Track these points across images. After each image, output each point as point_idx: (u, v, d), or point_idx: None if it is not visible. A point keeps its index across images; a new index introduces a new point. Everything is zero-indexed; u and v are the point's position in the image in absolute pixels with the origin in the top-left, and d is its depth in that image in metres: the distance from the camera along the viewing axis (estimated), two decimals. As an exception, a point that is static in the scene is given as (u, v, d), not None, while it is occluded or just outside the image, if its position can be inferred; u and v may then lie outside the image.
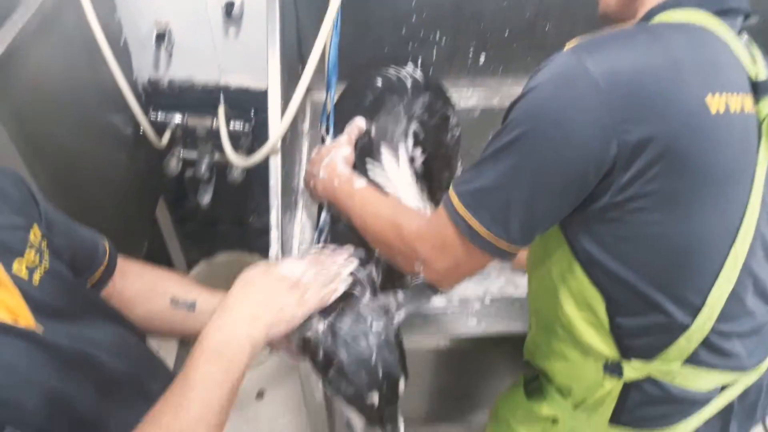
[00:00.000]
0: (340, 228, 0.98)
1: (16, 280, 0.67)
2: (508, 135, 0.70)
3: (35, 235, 0.72)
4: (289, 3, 1.30)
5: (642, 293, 0.75)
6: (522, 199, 0.71)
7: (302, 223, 1.24)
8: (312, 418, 1.36)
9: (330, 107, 1.12)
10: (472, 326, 1.10)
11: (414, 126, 1.14)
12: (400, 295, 0.84)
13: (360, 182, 0.95)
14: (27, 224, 0.72)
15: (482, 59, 1.46)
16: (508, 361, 1.09)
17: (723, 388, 0.84)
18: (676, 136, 0.67)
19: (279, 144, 1.08)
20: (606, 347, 0.82)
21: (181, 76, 1.52)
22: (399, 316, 0.83)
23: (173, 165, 1.56)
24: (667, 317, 0.76)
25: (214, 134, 1.51)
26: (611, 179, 0.69)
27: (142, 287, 0.89)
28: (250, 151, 1.62)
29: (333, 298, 0.80)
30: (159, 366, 0.91)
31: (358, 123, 1.05)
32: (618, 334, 0.80)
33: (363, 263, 0.89)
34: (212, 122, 1.49)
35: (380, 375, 0.77)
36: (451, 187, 0.76)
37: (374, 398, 0.78)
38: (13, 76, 1.00)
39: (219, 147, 1.58)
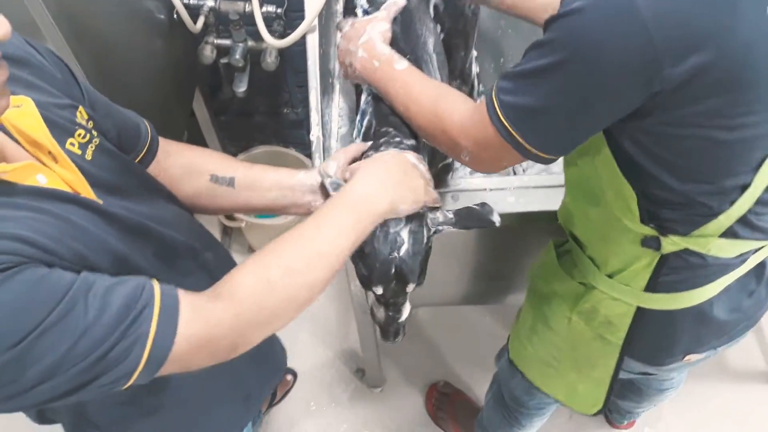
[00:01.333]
0: (383, 109, 0.94)
1: (72, 156, 0.68)
2: (550, 56, 0.69)
3: (81, 115, 0.73)
4: None
5: (681, 191, 0.77)
6: (565, 122, 0.73)
7: (340, 107, 1.23)
8: (357, 309, 1.41)
9: None
10: (510, 203, 1.12)
11: None
12: (451, 214, 0.85)
13: (401, 63, 0.91)
14: (73, 104, 0.73)
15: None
16: (545, 241, 1.10)
17: (756, 250, 0.87)
18: (735, 61, 0.65)
19: (316, 21, 1.06)
20: (643, 228, 0.84)
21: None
22: (438, 230, 0.85)
23: (207, 53, 1.54)
24: (706, 207, 0.78)
25: (247, 19, 1.48)
26: (658, 101, 0.68)
27: (184, 165, 0.90)
28: (283, 35, 1.59)
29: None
30: (211, 238, 0.95)
31: (391, 1, 1.00)
32: (651, 220, 0.83)
33: (414, 149, 0.90)
34: (244, 6, 1.46)
35: (391, 273, 0.80)
36: (494, 92, 0.76)
37: (379, 290, 0.82)
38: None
39: (252, 33, 1.55)
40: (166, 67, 1.50)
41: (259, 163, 0.93)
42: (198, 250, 0.87)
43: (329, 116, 1.18)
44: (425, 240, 0.82)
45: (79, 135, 0.71)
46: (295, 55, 1.69)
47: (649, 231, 0.84)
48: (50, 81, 0.71)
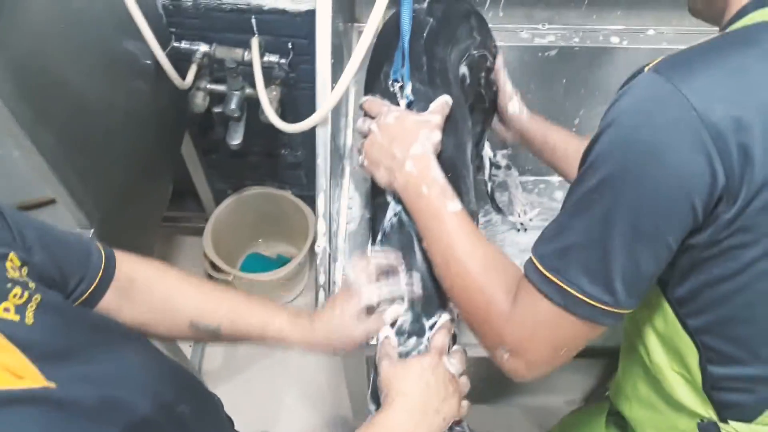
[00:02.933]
0: (405, 230, 0.80)
1: (7, 328, 0.54)
2: (591, 179, 0.58)
3: (13, 264, 0.58)
4: None
5: (740, 339, 0.64)
6: (621, 251, 0.57)
7: (350, 196, 1.06)
8: (349, 370, 1.26)
9: (405, 46, 0.86)
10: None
11: (463, 68, 0.95)
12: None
13: (455, 204, 0.74)
14: (4, 251, 0.58)
15: (565, -11, 1.21)
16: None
17: None
18: None
19: (329, 114, 0.88)
20: (699, 406, 0.70)
21: (208, -6, 1.30)
22: None
23: (199, 101, 1.37)
24: None
25: (246, 66, 1.30)
26: (717, 212, 0.55)
27: (156, 306, 0.76)
28: (286, 85, 1.42)
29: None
30: (185, 379, 0.79)
31: (446, 99, 0.83)
32: (712, 389, 0.68)
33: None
34: (243, 54, 1.28)
35: None
36: (534, 254, 0.63)
37: None
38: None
39: (251, 82, 1.38)
40: (152, 115, 1.32)
41: (243, 292, 0.79)
42: (171, 406, 0.71)
43: (338, 209, 1.01)
44: None
45: (15, 295, 0.56)
46: (297, 99, 1.52)
47: (706, 413, 0.69)
48: None
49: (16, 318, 0.55)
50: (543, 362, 0.64)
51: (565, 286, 0.60)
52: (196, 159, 1.71)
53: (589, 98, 1.32)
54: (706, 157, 0.52)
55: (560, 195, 1.36)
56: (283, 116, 1.49)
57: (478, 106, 1.03)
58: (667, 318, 0.67)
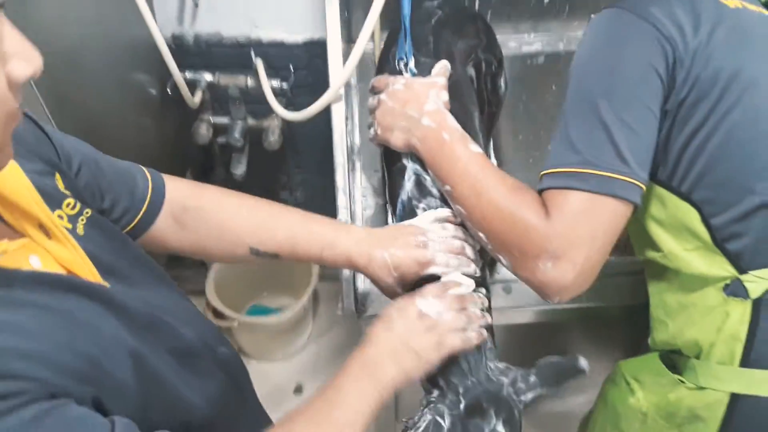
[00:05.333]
0: (427, 186, 0.81)
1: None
2: (572, 90, 0.72)
3: (60, 180, 0.58)
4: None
5: (725, 181, 0.72)
6: (615, 122, 0.69)
7: (363, 186, 1.07)
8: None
9: (406, 24, 0.91)
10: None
11: (470, 69, 0.99)
12: (533, 377, 0.72)
13: (476, 146, 0.77)
14: (49, 170, 0.58)
15: (546, -1, 1.30)
16: (610, 336, 0.94)
17: None
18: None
19: (342, 90, 0.91)
20: (719, 267, 0.75)
21: (208, 30, 1.36)
22: (528, 403, 0.73)
23: (203, 131, 1.40)
24: (762, 196, 0.71)
25: (248, 95, 1.35)
26: (675, 75, 0.69)
27: (212, 230, 0.74)
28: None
29: (468, 346, 0.71)
30: (217, 329, 0.77)
31: (445, 63, 0.88)
32: (723, 241, 0.74)
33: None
34: (246, 81, 1.33)
35: None
36: (548, 168, 0.71)
37: None
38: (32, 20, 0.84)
39: (253, 111, 1.43)
40: (155, 148, 1.34)
41: (297, 223, 0.76)
42: (212, 346, 0.69)
43: (352, 197, 1.02)
44: (520, 424, 0.71)
45: (68, 205, 0.56)
46: (296, 135, 1.56)
47: (727, 271, 0.74)
48: (23, 143, 0.56)
49: (69, 226, 0.55)
50: (584, 257, 0.67)
51: (586, 170, 0.68)
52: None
53: (578, 102, 1.38)
54: (657, 40, 0.69)
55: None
56: (284, 147, 1.52)
57: (485, 110, 1.07)
58: (663, 200, 0.76)
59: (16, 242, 0.50)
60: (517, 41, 1.35)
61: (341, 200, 0.88)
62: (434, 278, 0.74)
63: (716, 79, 0.69)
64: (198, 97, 1.31)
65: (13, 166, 0.52)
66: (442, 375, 0.72)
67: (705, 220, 0.73)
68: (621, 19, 0.72)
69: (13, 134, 0.54)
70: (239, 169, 1.44)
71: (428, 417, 0.69)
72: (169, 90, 1.30)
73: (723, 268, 0.75)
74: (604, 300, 0.96)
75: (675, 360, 0.84)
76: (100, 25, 1.09)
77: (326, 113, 1.08)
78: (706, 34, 0.69)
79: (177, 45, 1.36)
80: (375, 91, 0.91)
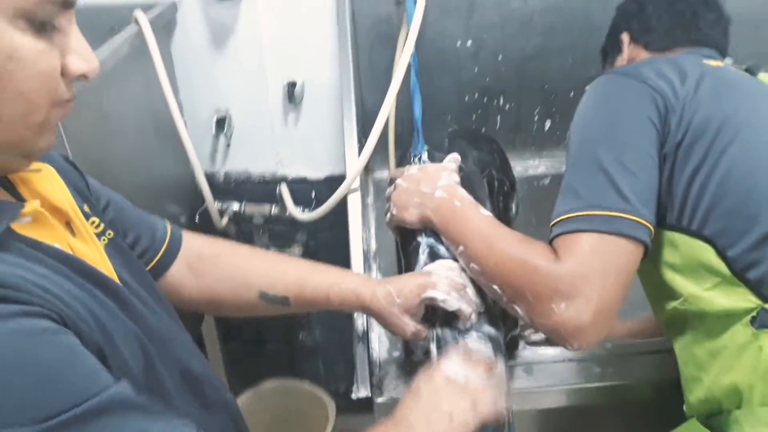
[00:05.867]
0: (440, 254, 0.84)
1: None
2: (572, 147, 0.77)
3: (87, 208, 0.61)
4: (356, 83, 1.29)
5: (732, 212, 0.73)
6: (615, 166, 0.72)
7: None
8: None
9: (417, 117, 1.04)
10: (596, 373, 0.91)
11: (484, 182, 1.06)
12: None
13: (486, 211, 0.82)
14: (81, 199, 0.62)
15: (547, 125, 1.42)
16: (640, 416, 0.88)
17: None
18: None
19: (357, 182, 0.98)
20: (742, 299, 0.73)
21: (239, 168, 1.49)
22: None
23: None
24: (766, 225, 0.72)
25: (271, 222, 1.43)
26: (669, 120, 0.74)
27: (225, 276, 0.76)
28: (306, 248, 1.52)
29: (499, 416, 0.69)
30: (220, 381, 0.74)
31: (455, 155, 0.95)
32: (741, 270, 0.73)
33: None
34: (270, 208, 1.42)
35: None
36: (555, 218, 0.74)
37: None
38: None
39: (275, 240, 1.49)
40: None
41: (305, 268, 0.79)
42: (217, 386, 0.67)
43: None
44: None
45: (93, 223, 0.59)
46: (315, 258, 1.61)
47: (750, 302, 0.72)
48: (60, 169, 0.60)
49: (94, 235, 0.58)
50: (598, 294, 0.68)
51: (590, 212, 0.71)
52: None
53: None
54: (649, 94, 0.76)
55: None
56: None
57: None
58: (675, 243, 0.76)
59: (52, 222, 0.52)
60: (523, 166, 1.44)
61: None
62: (438, 309, 0.75)
63: (708, 122, 0.74)
64: (226, 218, 1.39)
65: (49, 171, 0.56)
66: None
67: (721, 253, 0.74)
68: (616, 82, 0.81)
69: (57, 165, 0.60)
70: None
71: None
72: (197, 217, 1.39)
73: (746, 299, 0.73)
74: (631, 377, 0.91)
75: (716, 424, 0.77)
76: (146, 160, 1.21)
77: (344, 233, 1.12)
78: (693, 84, 0.76)
79: (209, 181, 1.48)
80: (392, 182, 0.98)
